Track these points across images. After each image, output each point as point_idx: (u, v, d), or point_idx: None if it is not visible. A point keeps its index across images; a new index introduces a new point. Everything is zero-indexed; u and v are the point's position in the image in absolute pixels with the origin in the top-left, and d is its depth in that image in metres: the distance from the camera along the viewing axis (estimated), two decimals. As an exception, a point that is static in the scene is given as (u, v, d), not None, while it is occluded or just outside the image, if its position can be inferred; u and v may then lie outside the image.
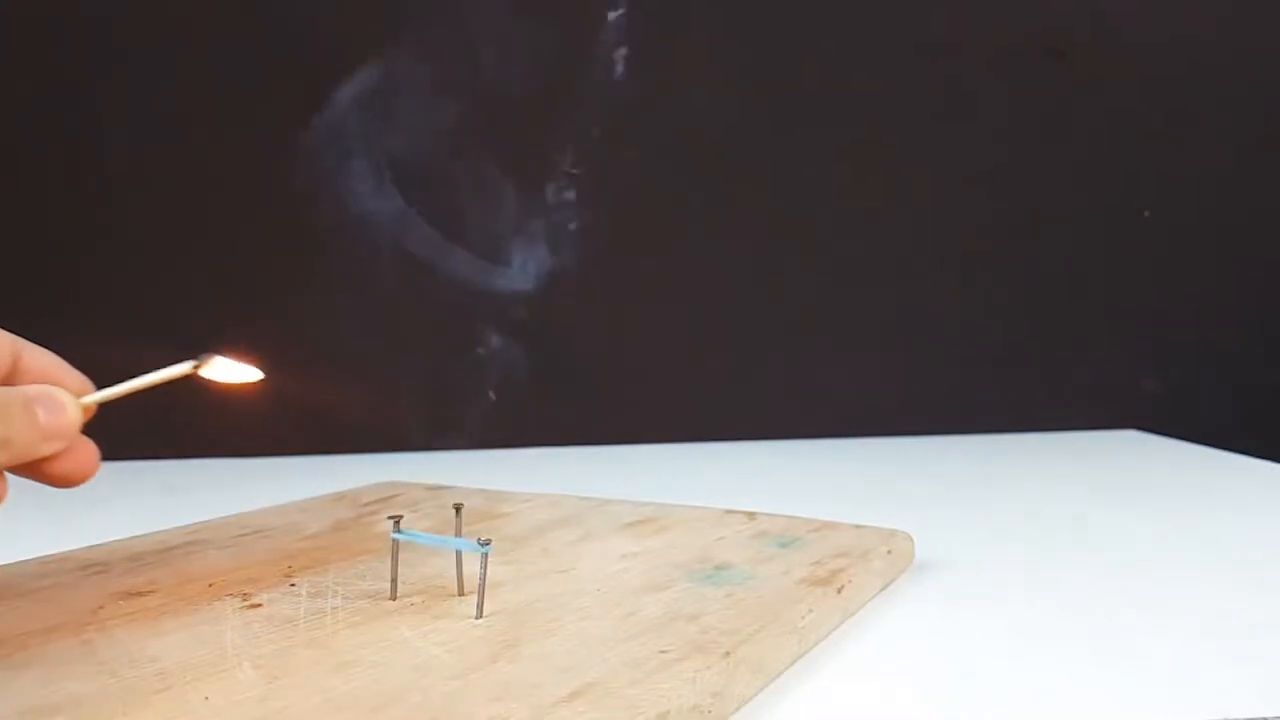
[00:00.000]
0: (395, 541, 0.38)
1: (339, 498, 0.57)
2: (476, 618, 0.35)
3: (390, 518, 0.38)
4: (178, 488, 0.73)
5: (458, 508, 0.41)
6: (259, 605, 0.37)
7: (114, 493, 0.69)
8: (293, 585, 0.39)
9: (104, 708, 0.27)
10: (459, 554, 0.38)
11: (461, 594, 0.38)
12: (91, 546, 0.45)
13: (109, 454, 0.33)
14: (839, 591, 0.39)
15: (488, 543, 0.36)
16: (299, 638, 0.33)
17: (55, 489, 0.32)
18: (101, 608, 0.36)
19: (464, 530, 0.41)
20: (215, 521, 0.51)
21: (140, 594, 0.38)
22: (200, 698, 0.28)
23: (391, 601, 0.37)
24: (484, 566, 0.36)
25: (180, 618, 0.35)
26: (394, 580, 0.37)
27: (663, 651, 0.32)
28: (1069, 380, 1.01)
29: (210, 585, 0.39)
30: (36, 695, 0.28)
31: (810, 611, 0.37)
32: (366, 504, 0.55)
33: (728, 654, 0.31)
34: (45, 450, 0.30)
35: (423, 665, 0.31)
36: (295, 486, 0.61)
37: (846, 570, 0.41)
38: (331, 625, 0.34)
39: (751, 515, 0.51)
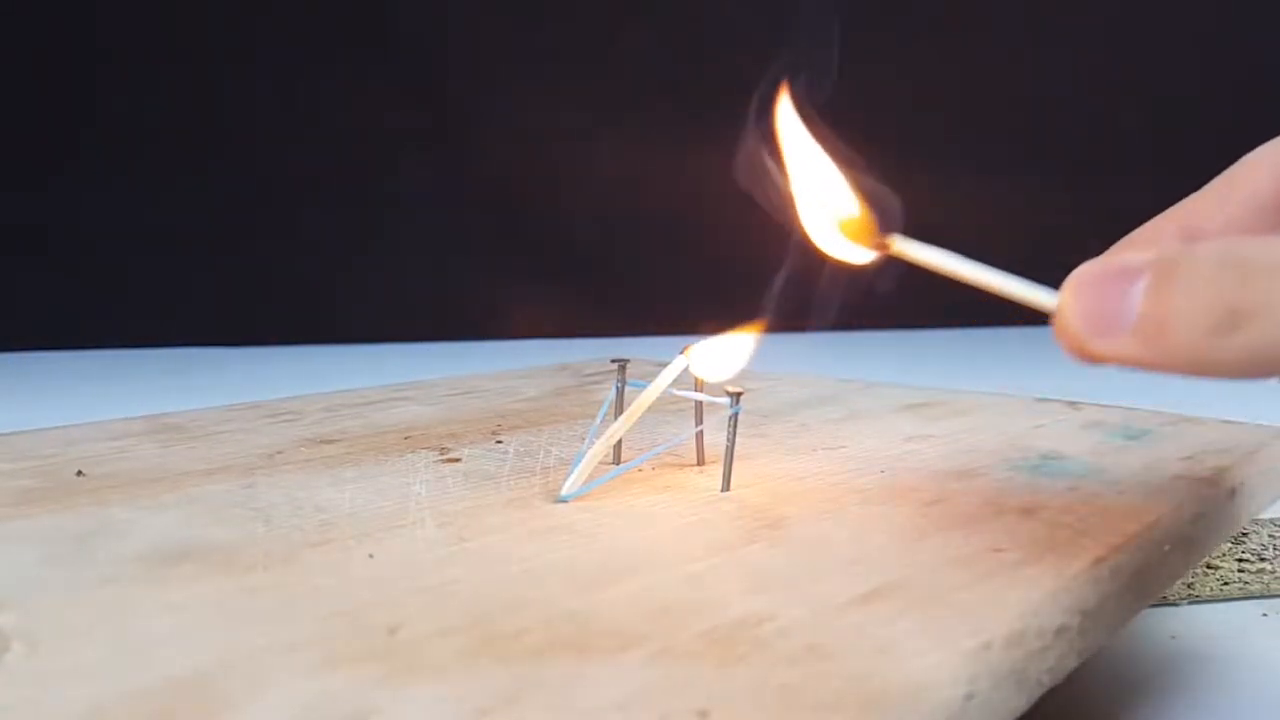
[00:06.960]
0: (617, 389, 0.29)
1: (562, 367, 0.50)
2: (723, 489, 0.26)
3: (614, 360, 0.30)
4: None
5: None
6: (456, 460, 0.30)
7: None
8: (499, 443, 0.32)
9: (240, 557, 0.21)
10: (699, 409, 0.30)
11: (701, 464, 0.29)
12: (287, 398, 0.40)
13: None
14: (1231, 495, 0.28)
15: (738, 396, 0.27)
16: (498, 497, 0.26)
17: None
18: (279, 452, 0.30)
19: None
20: (424, 381, 0.45)
21: (326, 441, 0.32)
22: (363, 555, 0.21)
23: (611, 465, 0.29)
24: (733, 428, 0.27)
25: (363, 467, 0.29)
26: (616, 442, 0.29)
27: (996, 550, 0.22)
28: None
29: (406, 437, 0.33)
30: (170, 538, 0.22)
31: (1201, 517, 0.25)
32: (590, 374, 0.48)
33: (1099, 560, 0.21)
34: None
35: (653, 540, 0.22)
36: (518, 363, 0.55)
37: (1233, 470, 0.29)
38: (540, 486, 0.27)
39: (1074, 405, 0.39)
